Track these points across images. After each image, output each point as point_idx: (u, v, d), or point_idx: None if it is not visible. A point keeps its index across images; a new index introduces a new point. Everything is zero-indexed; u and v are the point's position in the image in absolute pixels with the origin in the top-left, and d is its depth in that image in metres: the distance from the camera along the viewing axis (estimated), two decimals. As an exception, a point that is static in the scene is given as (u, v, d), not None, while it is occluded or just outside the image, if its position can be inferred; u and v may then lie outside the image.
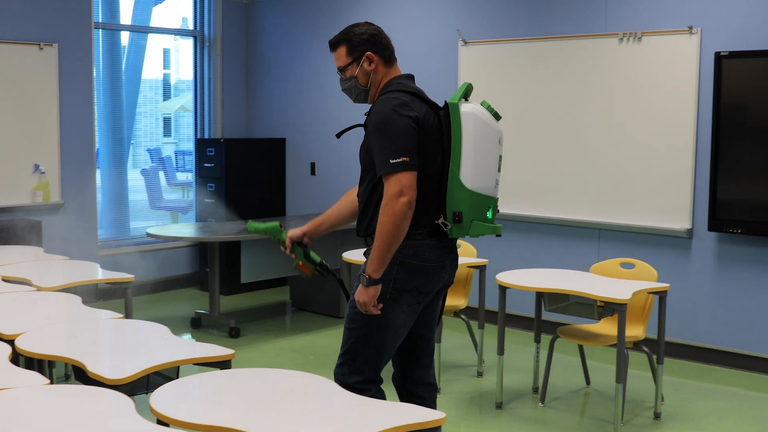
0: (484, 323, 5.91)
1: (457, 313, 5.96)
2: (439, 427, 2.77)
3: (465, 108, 3.53)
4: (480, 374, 6.00)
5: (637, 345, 5.22)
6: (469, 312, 6.18)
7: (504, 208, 7.27)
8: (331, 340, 6.90)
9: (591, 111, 6.81)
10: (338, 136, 3.83)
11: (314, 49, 8.76)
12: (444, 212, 3.48)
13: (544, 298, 5.31)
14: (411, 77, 3.74)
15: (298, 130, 9.01)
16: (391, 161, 3.32)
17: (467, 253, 6.17)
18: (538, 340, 5.58)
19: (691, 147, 6.31)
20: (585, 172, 6.82)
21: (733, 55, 6.05)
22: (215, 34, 9.16)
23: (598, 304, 4.93)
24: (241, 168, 8.76)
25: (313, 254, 3.76)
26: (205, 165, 8.78)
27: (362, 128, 3.71)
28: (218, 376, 3.20)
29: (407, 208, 3.30)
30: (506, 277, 5.28)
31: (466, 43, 7.51)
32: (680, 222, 6.39)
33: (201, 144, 8.90)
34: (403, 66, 8.57)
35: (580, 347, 5.72)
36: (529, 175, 7.16)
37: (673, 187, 6.41)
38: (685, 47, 6.34)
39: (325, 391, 2.99)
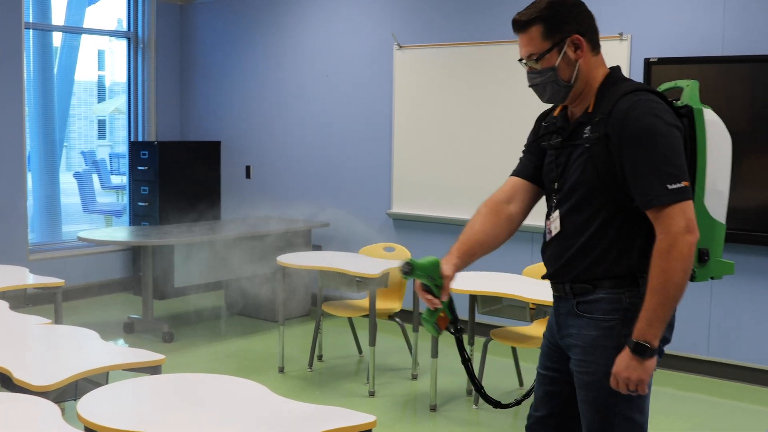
0: (418, 326, 5.95)
1: (391, 316, 5.98)
2: (369, 430, 2.77)
3: (709, 116, 2.72)
4: (414, 377, 6.03)
5: (569, 347, 5.28)
6: (404, 315, 6.20)
7: (439, 211, 7.35)
8: (266, 344, 6.87)
9: (524, 116, 6.86)
10: (525, 151, 3.05)
11: (249, 52, 8.73)
12: None
13: (477, 300, 5.36)
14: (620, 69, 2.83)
15: (233, 134, 8.96)
16: (670, 187, 2.50)
17: (401, 257, 6.20)
18: (471, 343, 5.61)
19: (621, 151, 6.41)
20: (518, 176, 6.89)
21: (662, 61, 6.17)
22: (149, 36, 9.06)
23: (531, 306, 4.99)
24: (176, 171, 8.68)
25: (454, 304, 2.80)
26: (139, 168, 8.69)
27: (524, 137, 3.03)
28: (148, 381, 3.16)
29: (694, 249, 2.52)
30: (440, 281, 5.30)
31: (401, 47, 7.54)
32: (611, 225, 6.48)
33: (135, 147, 8.80)
34: (338, 70, 8.64)
35: (513, 349, 5.78)
36: (464, 178, 7.21)
37: (605, 191, 6.50)
38: (615, 53, 6.44)
39: (256, 395, 2.98)
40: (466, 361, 2.94)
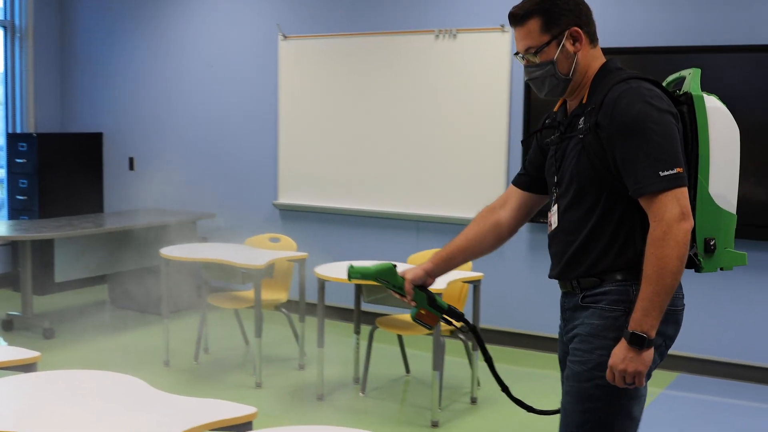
0: (304, 316, 5.95)
1: (277, 306, 5.96)
2: (250, 422, 2.76)
3: (710, 102, 2.65)
4: (301, 367, 6.03)
5: (454, 333, 5.36)
6: (290, 305, 6.20)
7: (325, 201, 7.35)
8: (151, 338, 6.77)
9: (409, 106, 6.94)
10: (523, 143, 3.02)
11: (132, 42, 8.56)
12: (694, 240, 2.61)
13: (362, 289, 5.38)
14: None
15: (115, 125, 8.78)
16: (662, 174, 2.45)
17: (286, 247, 6.19)
18: (357, 331, 5.65)
19: (504, 141, 6.54)
20: (403, 166, 6.96)
21: (542, 51, 6.29)
22: (27, 25, 8.79)
23: (415, 294, 5.03)
24: (56, 163, 8.46)
25: (438, 300, 2.87)
26: (17, 161, 8.44)
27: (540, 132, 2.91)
28: (21, 379, 3.08)
29: (689, 237, 2.46)
30: (325, 270, 5.32)
31: (285, 37, 7.51)
32: (494, 213, 6.60)
33: (12, 139, 8.54)
34: (222, 61, 8.53)
35: (399, 337, 5.83)
36: (349, 169, 7.23)
37: (488, 180, 6.62)
38: (497, 44, 6.55)
39: (134, 390, 2.94)
40: (488, 359, 2.92)
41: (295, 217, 7.62)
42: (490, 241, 2.93)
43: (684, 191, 2.47)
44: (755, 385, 5.90)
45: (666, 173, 2.45)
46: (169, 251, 5.97)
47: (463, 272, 5.37)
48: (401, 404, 5.48)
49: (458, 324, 2.89)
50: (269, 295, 6.05)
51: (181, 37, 8.23)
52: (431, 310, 2.84)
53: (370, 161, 7.13)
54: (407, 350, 5.95)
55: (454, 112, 6.75)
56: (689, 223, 2.45)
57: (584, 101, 2.66)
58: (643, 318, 2.45)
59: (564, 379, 2.74)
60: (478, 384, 5.52)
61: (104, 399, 2.87)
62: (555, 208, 2.75)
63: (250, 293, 6.08)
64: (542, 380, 5.87)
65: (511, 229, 2.95)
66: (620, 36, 6.06)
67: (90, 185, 8.79)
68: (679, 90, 2.71)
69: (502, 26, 6.49)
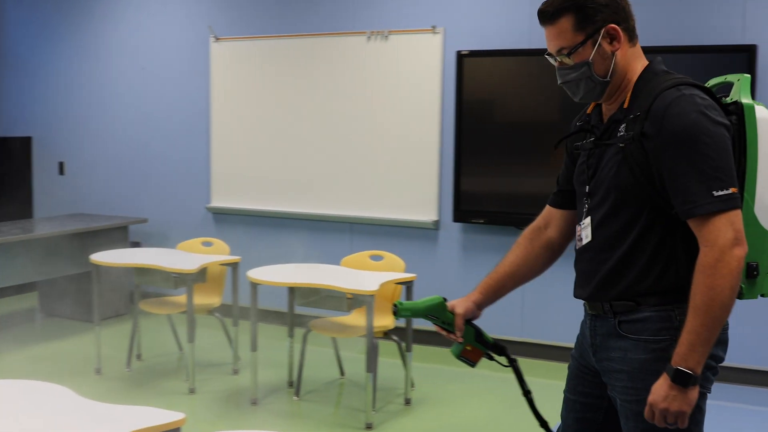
0: (238, 320, 5.91)
1: (210, 311, 5.92)
2: (178, 429, 2.74)
3: (761, 112, 2.38)
4: (235, 372, 5.99)
5: (387, 334, 5.38)
6: (224, 309, 6.16)
7: (258, 204, 7.32)
8: (82, 346, 6.66)
9: (341, 108, 6.95)
10: (556, 146, 2.72)
11: (61, 44, 8.43)
12: None
13: (295, 292, 5.37)
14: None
15: (45, 128, 8.64)
16: (716, 194, 2.21)
17: (219, 251, 6.16)
18: (291, 335, 5.64)
19: (436, 142, 6.58)
20: (336, 168, 6.96)
21: (474, 54, 6.35)
22: (-50, 27, 8.61)
23: (348, 296, 5.04)
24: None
25: (486, 334, 2.72)
26: (-58, 166, 8.27)
27: (576, 135, 2.64)
28: (-57, 390, 3.01)
29: (743, 264, 2.23)
30: (257, 274, 5.30)
31: (217, 39, 7.46)
32: (428, 214, 6.65)
33: (-63, 144, 8.37)
34: (154, 63, 8.44)
35: (333, 339, 5.83)
36: (283, 171, 7.21)
37: (421, 181, 6.66)
38: (428, 46, 6.59)
39: (61, 399, 2.89)
40: (527, 393, 2.72)
41: (228, 220, 7.57)
42: (543, 262, 2.75)
43: (738, 214, 2.24)
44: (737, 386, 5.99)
45: (720, 193, 2.21)
46: (100, 257, 5.89)
47: (396, 274, 5.39)
48: (336, 407, 5.48)
49: (502, 359, 2.72)
50: (202, 299, 6.01)
51: (113, 39, 8.12)
52: (477, 345, 2.69)
53: (303, 163, 7.12)
54: (341, 352, 5.95)
55: (386, 114, 6.78)
56: (743, 249, 2.22)
57: (626, 106, 2.43)
58: (688, 353, 2.22)
59: (622, 418, 2.49)
60: (412, 385, 5.55)
61: (29, 409, 2.82)
62: (587, 220, 2.51)
63: (182, 298, 6.03)
64: (476, 380, 5.91)
65: (562, 248, 2.76)
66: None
67: (19, 190, 8.64)
68: (726, 97, 2.47)
69: (434, 27, 6.54)
